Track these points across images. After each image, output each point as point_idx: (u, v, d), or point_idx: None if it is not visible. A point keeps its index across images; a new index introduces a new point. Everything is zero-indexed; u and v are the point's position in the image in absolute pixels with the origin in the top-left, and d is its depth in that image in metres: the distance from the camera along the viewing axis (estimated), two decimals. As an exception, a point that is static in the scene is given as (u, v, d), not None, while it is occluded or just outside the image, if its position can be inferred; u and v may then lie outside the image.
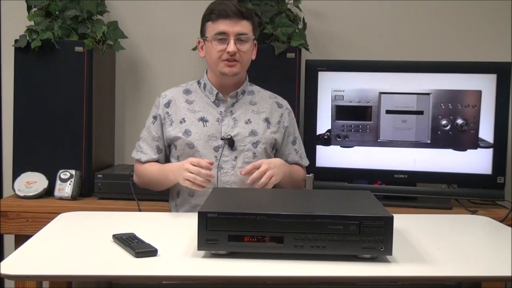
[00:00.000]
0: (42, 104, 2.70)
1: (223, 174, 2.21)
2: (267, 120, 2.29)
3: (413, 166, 2.69)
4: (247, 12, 2.22)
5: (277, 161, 2.18)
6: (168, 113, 2.28)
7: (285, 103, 2.38)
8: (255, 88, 2.36)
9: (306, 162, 2.42)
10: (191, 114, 2.26)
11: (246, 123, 2.26)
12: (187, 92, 2.32)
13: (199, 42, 2.29)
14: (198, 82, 2.34)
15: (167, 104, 2.29)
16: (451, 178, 2.68)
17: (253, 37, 2.23)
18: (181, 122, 2.25)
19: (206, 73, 2.31)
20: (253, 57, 2.30)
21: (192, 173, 2.03)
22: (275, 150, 2.34)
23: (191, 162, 2.05)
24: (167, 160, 2.33)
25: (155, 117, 2.30)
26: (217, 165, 2.20)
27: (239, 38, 2.18)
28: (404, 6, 3.01)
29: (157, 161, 2.29)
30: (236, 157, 2.23)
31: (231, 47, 2.16)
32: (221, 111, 2.26)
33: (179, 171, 2.07)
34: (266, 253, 1.54)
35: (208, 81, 2.29)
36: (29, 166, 2.69)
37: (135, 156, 2.33)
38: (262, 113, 2.30)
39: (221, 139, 2.22)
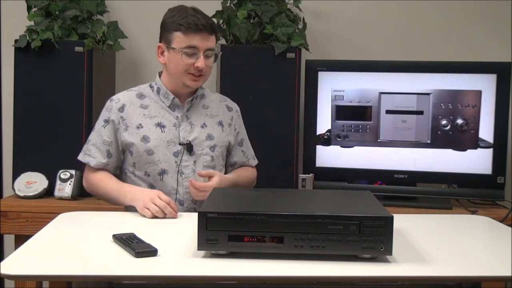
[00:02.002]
0: (42, 104, 2.69)
1: (184, 179, 2.21)
2: (221, 124, 2.30)
3: (413, 166, 2.68)
4: (214, 24, 2.22)
5: (227, 181, 2.21)
6: (122, 117, 2.23)
7: (234, 106, 2.39)
8: (206, 91, 2.36)
9: (253, 162, 2.43)
10: (147, 119, 2.23)
11: (202, 127, 2.26)
12: (140, 96, 2.29)
13: (159, 47, 2.24)
14: (150, 86, 2.31)
15: (121, 109, 2.25)
16: (451, 178, 2.68)
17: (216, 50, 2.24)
18: (137, 127, 2.22)
19: (159, 76, 2.29)
20: None
21: (157, 206, 1.99)
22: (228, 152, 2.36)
23: (160, 197, 2.02)
24: (119, 165, 2.28)
25: (106, 121, 2.25)
26: (178, 170, 2.21)
27: (207, 55, 2.18)
28: (404, 6, 3.01)
29: (106, 165, 2.24)
30: (195, 162, 2.23)
31: (201, 63, 2.15)
32: (177, 116, 2.25)
33: (142, 198, 2.03)
34: (266, 253, 1.54)
35: (163, 85, 2.26)
36: (29, 166, 2.68)
37: (82, 159, 2.27)
38: (216, 116, 2.31)
39: (180, 144, 2.22)
